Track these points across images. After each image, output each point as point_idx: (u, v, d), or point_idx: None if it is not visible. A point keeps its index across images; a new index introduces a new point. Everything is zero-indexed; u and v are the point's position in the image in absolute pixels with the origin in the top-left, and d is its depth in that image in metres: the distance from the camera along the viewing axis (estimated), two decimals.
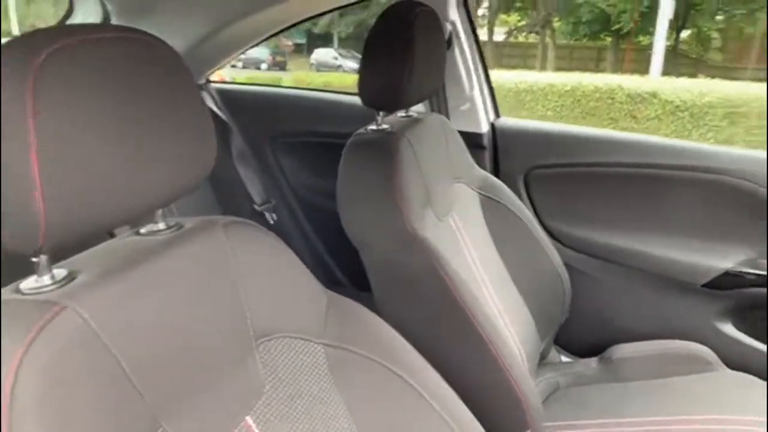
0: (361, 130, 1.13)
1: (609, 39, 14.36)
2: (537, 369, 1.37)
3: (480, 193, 1.33)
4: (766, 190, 1.32)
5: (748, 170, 1.34)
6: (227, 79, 2.51)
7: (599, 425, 1.15)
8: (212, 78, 1.92)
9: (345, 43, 16.81)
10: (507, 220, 1.33)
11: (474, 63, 1.62)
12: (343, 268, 1.95)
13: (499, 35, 16.75)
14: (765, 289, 1.34)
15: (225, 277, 0.68)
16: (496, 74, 8.00)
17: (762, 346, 1.37)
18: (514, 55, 16.05)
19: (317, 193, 1.92)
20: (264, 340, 0.71)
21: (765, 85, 6.25)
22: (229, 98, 1.92)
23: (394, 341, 0.81)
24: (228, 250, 0.70)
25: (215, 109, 1.85)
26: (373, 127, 1.14)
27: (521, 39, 16.74)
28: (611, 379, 1.32)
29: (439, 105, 1.61)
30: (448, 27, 1.53)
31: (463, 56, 1.58)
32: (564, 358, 1.54)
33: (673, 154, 1.44)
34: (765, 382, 1.20)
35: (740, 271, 1.36)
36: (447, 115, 1.59)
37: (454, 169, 1.28)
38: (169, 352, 0.60)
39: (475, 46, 1.63)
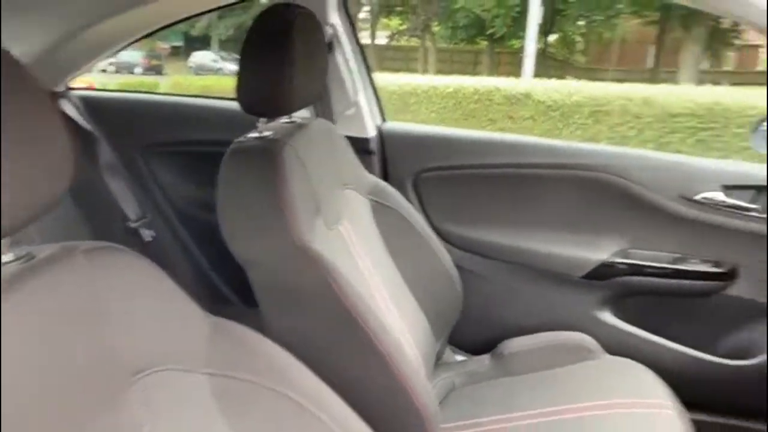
0: (241, 138, 1.07)
1: (485, 43, 15.06)
2: (433, 370, 1.38)
3: (370, 199, 1.31)
4: (633, 184, 1.41)
5: (617, 166, 1.43)
6: (96, 86, 2.32)
7: (492, 422, 1.16)
8: (76, 84, 1.76)
9: (225, 45, 16.32)
10: (398, 224, 1.32)
11: (357, 67, 1.60)
12: (229, 284, 1.86)
13: (382, 39, 17.04)
14: (638, 278, 1.44)
15: (87, 309, 0.61)
16: (380, 77, 8.09)
17: (637, 331, 1.47)
18: (397, 58, 16.38)
19: (197, 205, 1.81)
20: (141, 375, 0.64)
21: (624, 85, 6.80)
22: (94, 106, 1.77)
23: (284, 363, 0.76)
24: (91, 279, 0.62)
25: (77, 118, 1.69)
26: (254, 134, 1.08)
27: (403, 42, 17.14)
28: (503, 374, 1.36)
29: (324, 110, 1.57)
30: (329, 30, 1.50)
31: (346, 60, 1.56)
32: (459, 357, 1.56)
33: (550, 154, 1.51)
34: (642, 366, 1.27)
35: (614, 262, 1.45)
36: (333, 121, 1.56)
37: (343, 175, 1.25)
38: (25, 399, 0.52)
39: (357, 50, 1.61)
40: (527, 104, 6.69)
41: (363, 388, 0.96)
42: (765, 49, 16.93)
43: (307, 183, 1.05)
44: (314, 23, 1.09)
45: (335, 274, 0.97)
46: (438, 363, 1.43)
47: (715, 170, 1.41)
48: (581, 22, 14.47)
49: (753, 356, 1.40)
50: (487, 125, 6.96)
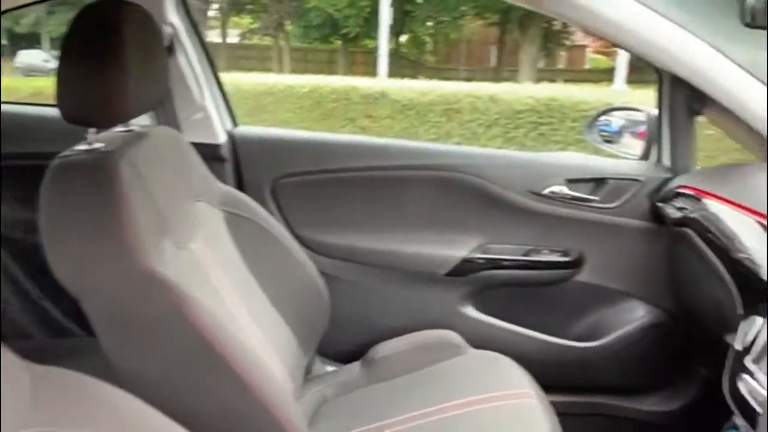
0: (66, 152, 0.94)
1: (339, 42, 15.16)
2: (303, 385, 1.32)
3: (224, 211, 1.22)
4: (487, 182, 1.46)
5: (473, 165, 1.47)
6: None
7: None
8: None
9: (57, 43, 14.88)
10: (256, 235, 1.24)
11: (202, 68, 1.50)
12: (66, 312, 1.65)
13: (233, 38, 16.52)
14: (496, 271, 1.49)
15: None
16: (233, 77, 7.82)
17: (498, 322, 1.52)
18: (251, 57, 15.98)
19: (22, 227, 1.59)
20: None
21: (472, 84, 7.19)
22: None
23: (126, 408, 0.66)
24: None
25: None
26: (83, 146, 0.95)
27: (256, 41, 16.76)
28: (375, 380, 1.33)
29: (168, 116, 1.45)
30: (168, 30, 1.38)
31: (189, 61, 1.45)
32: (329, 368, 1.52)
33: (409, 155, 1.52)
34: (504, 357, 1.31)
35: (474, 258, 1.49)
36: (178, 127, 1.44)
37: (192, 187, 1.14)
38: None
39: (201, 50, 1.50)
40: (384, 103, 6.81)
41: (224, 417, 0.88)
42: (591, 49, 18.81)
43: (149, 199, 0.94)
44: (147, 21, 0.98)
45: (187, 299, 0.87)
46: (308, 377, 1.38)
47: (559, 165, 1.50)
48: (429, 23, 15.07)
49: (600, 338, 1.51)
50: (347, 124, 6.99)
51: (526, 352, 1.40)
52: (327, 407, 1.28)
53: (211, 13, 15.16)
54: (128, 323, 0.89)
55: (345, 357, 1.47)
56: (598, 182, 1.46)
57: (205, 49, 1.52)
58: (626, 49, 1.34)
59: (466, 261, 1.49)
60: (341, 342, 1.50)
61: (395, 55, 13.54)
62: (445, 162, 1.49)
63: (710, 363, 1.45)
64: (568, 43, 16.53)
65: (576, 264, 1.49)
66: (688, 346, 1.49)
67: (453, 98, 6.46)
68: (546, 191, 1.45)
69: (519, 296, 1.55)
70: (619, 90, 8.49)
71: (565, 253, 1.49)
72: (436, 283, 1.51)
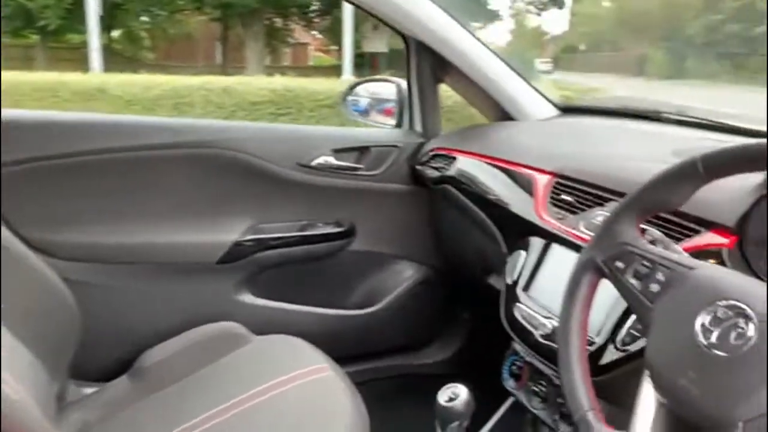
0: None
1: (36, 37, 13.21)
2: (57, 415, 1.08)
3: None
4: (252, 157, 1.36)
5: (233, 140, 1.36)
6: None
7: None
8: None
9: None
10: None
11: None
12: None
13: None
14: (271, 251, 1.41)
15: None
16: None
17: (280, 305, 1.45)
18: None
19: None
20: None
21: (203, 77, 6.87)
22: None
23: None
24: None
25: None
26: None
27: None
28: (151, 390, 1.15)
29: None
30: None
31: None
32: (87, 390, 1.27)
33: (158, 133, 1.34)
34: (293, 337, 1.25)
35: (246, 240, 1.39)
36: None
37: None
38: None
39: None
40: (104, 100, 6.15)
41: None
42: (313, 47, 19.63)
43: None
44: None
45: None
46: (63, 405, 1.13)
47: (325, 136, 1.48)
48: (145, 18, 14.06)
49: (377, 303, 1.54)
50: None
51: (312, 330, 1.36)
52: None
53: None
54: None
55: (110, 374, 1.24)
56: (362, 151, 1.48)
57: None
58: (376, 16, 1.37)
59: (238, 245, 1.38)
60: (101, 357, 1.27)
61: (108, 51, 12.24)
62: (200, 138, 1.35)
63: (476, 308, 1.60)
64: (291, 40, 16.99)
65: (349, 234, 1.49)
66: (454, 297, 1.61)
67: (184, 92, 6.13)
68: (314, 163, 1.41)
69: (297, 274, 1.49)
70: (348, 80, 9.00)
71: (338, 224, 1.48)
72: (207, 273, 1.37)
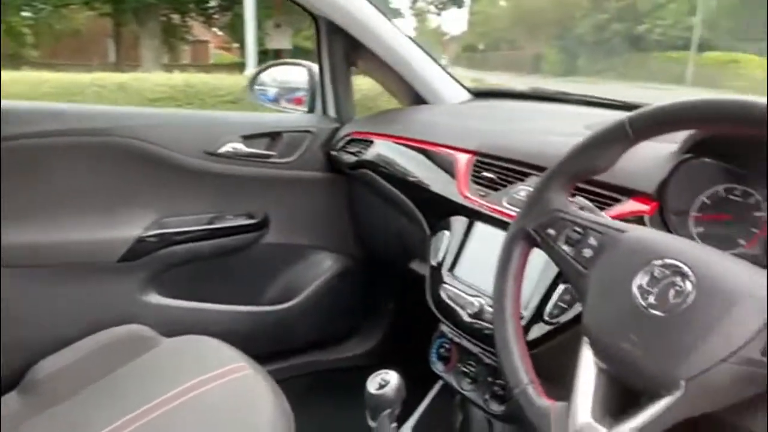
0: None
1: None
2: None
3: None
4: (153, 145, 1.26)
5: (132, 127, 1.25)
6: None
7: None
8: None
9: None
10: None
11: None
12: None
13: None
14: (177, 247, 1.31)
15: None
16: None
17: (190, 304, 1.35)
18: None
19: None
20: None
21: (96, 74, 6.44)
22: None
23: None
24: None
25: None
26: None
27: None
28: (47, 404, 1.03)
29: None
30: None
31: None
32: None
33: (43, 119, 1.20)
34: (206, 337, 1.16)
35: (150, 236, 1.28)
36: None
37: None
38: None
39: None
40: None
41: None
42: (213, 45, 19.01)
43: None
44: None
45: None
46: None
47: (233, 122, 1.39)
48: (27, 14, 13.05)
49: (294, 297, 1.48)
50: None
51: (225, 329, 1.27)
52: None
53: None
54: None
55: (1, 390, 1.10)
56: (274, 137, 1.40)
57: None
58: None
59: (140, 241, 1.27)
60: None
61: None
62: (95, 126, 1.23)
63: (399, 295, 1.57)
64: (190, 38, 16.35)
65: (261, 225, 1.41)
66: (376, 286, 1.58)
67: (75, 88, 5.69)
68: (222, 150, 1.32)
69: (206, 271, 1.39)
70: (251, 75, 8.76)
71: (249, 216, 1.40)
72: (108, 273, 1.25)
